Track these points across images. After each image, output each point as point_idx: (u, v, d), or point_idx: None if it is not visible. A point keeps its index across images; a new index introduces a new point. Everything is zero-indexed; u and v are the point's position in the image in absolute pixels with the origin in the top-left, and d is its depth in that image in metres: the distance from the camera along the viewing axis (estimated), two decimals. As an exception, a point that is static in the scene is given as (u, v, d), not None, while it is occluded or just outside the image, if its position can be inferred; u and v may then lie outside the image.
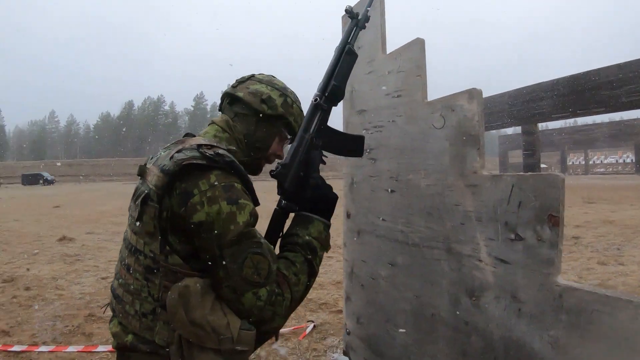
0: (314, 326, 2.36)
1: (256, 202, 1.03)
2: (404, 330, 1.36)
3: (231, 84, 1.20)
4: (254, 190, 1.01)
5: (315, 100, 1.09)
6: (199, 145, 1.00)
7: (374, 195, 1.56)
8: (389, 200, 1.45)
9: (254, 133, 1.16)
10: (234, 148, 1.13)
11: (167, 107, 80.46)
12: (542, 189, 0.87)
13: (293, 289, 1.00)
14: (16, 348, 1.98)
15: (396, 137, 1.41)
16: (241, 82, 1.18)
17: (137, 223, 1.00)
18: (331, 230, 1.09)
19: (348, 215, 1.80)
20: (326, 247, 1.08)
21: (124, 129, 74.32)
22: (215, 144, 1.04)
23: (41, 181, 37.37)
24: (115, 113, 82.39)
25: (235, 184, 0.95)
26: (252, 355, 2.01)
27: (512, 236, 0.95)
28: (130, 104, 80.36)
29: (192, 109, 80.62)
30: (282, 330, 2.35)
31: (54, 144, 79.61)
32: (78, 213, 10.04)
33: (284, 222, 1.10)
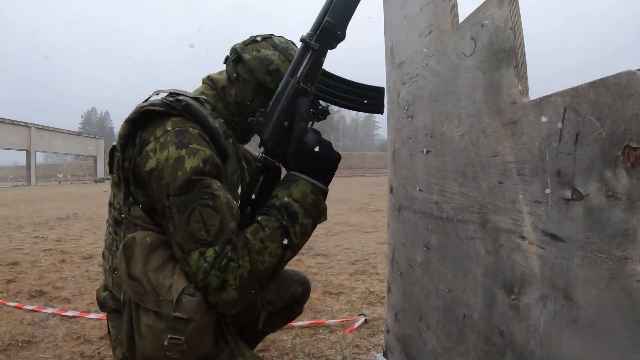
0: (365, 320, 2.09)
1: (224, 154, 0.88)
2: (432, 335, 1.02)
3: (244, 39, 1.06)
4: (219, 140, 0.88)
5: (305, 40, 0.89)
6: (170, 94, 0.93)
7: (412, 160, 1.24)
8: (425, 163, 1.12)
9: (249, 103, 1.03)
10: (213, 102, 1.03)
11: None
12: (609, 104, 0.48)
13: (254, 257, 0.80)
14: (69, 313, 2.21)
15: (429, 84, 1.07)
16: (254, 41, 1.03)
17: (111, 175, 0.96)
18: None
19: (391, 190, 1.50)
20: (314, 214, 0.86)
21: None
22: (182, 93, 0.94)
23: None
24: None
25: (191, 129, 0.84)
26: (286, 341, 1.87)
27: (568, 194, 0.57)
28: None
29: None
30: (330, 322, 2.14)
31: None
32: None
33: (268, 181, 0.91)
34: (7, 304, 2.38)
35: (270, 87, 0.98)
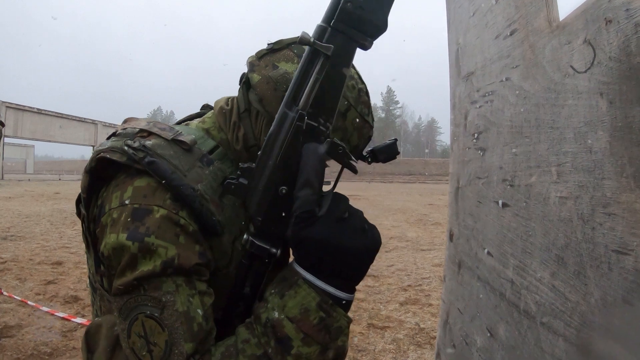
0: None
1: (212, 229, 0.60)
2: None
3: (262, 48, 0.71)
4: (201, 213, 0.59)
5: (308, 41, 0.53)
6: (141, 130, 0.65)
7: (480, 209, 0.93)
8: (499, 220, 0.82)
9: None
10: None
11: None
12: None
13: None
14: (78, 320, 2.17)
15: (511, 108, 0.76)
16: (273, 50, 0.68)
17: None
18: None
19: (451, 237, 1.19)
20: (321, 339, 0.55)
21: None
22: (165, 127, 0.66)
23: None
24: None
25: (156, 209, 0.57)
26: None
27: None
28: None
29: None
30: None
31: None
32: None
33: (257, 274, 0.63)
34: (41, 308, 2.42)
35: None
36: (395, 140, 0.66)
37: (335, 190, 0.61)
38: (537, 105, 0.66)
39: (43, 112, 26.86)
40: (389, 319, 2.67)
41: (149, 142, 0.62)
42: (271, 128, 0.57)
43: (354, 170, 0.59)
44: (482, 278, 0.89)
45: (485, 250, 0.88)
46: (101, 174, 0.63)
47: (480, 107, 0.94)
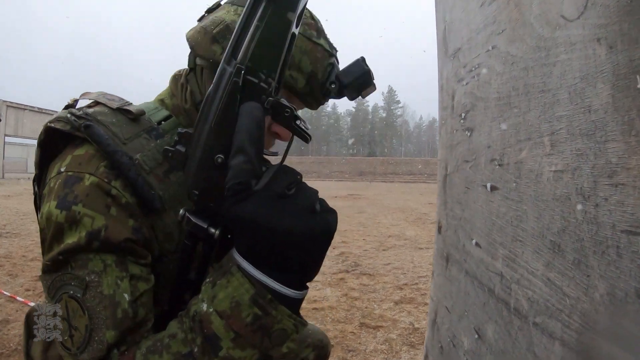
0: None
1: (150, 204, 0.57)
2: None
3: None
4: (138, 185, 0.56)
5: None
6: (91, 101, 0.65)
7: (469, 195, 0.84)
8: (487, 206, 0.72)
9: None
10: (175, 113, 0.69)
11: (329, 109, 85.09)
12: None
13: None
14: None
15: (498, 78, 0.66)
16: (210, 10, 0.68)
17: None
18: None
19: (439, 229, 1.09)
20: (257, 342, 0.47)
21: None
22: (115, 97, 0.65)
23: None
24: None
25: (87, 177, 0.54)
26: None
27: None
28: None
29: (353, 109, 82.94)
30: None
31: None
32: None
33: (203, 257, 0.56)
34: (29, 303, 2.39)
35: (219, 58, 0.60)
36: (361, 58, 0.61)
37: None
38: (526, 69, 0.56)
39: (44, 111, 26.86)
40: (383, 318, 2.58)
41: (91, 110, 0.60)
42: (210, 88, 0.49)
43: (303, 137, 0.51)
44: (470, 272, 0.79)
45: (474, 241, 0.78)
46: (53, 149, 0.60)
47: (467, 84, 0.84)
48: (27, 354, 0.65)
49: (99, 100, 0.63)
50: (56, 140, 0.59)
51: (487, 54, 0.71)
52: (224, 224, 0.51)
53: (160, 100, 0.69)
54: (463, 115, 0.87)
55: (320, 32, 0.65)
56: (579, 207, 0.44)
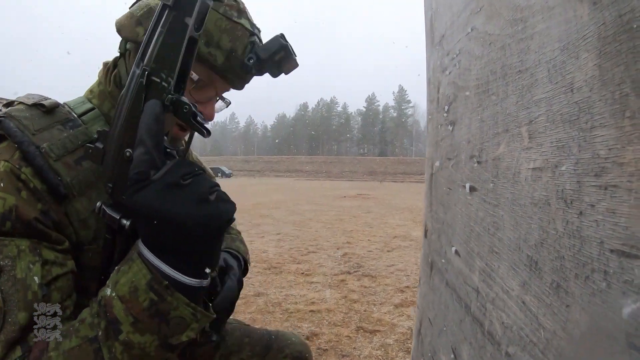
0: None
1: (56, 191, 0.60)
2: None
3: None
4: (45, 173, 0.59)
5: None
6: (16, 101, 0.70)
7: (450, 196, 0.74)
8: (466, 208, 0.63)
9: None
10: (97, 103, 0.73)
11: (339, 108, 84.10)
12: None
13: None
14: None
15: (477, 63, 0.57)
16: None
17: None
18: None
19: (425, 233, 1.00)
20: (154, 328, 0.49)
21: (290, 128, 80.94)
22: (36, 95, 0.70)
23: (219, 174, 37.82)
24: (290, 114, 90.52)
25: (2, 164, 0.59)
26: None
27: None
28: (304, 106, 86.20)
29: (364, 109, 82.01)
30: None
31: (235, 143, 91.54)
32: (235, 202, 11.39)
33: (122, 250, 0.58)
34: None
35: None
36: (280, 34, 0.63)
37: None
38: (503, 48, 0.47)
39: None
40: (381, 322, 2.48)
41: (10, 107, 0.65)
42: (123, 89, 0.54)
43: (200, 132, 0.55)
44: (450, 284, 0.70)
45: (454, 249, 0.69)
46: None
47: (449, 73, 0.75)
48: None
49: (20, 100, 0.67)
50: None
51: (467, 38, 0.62)
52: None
53: (90, 91, 0.73)
54: (446, 108, 0.78)
55: (241, 12, 0.67)
56: (559, 215, 0.34)
